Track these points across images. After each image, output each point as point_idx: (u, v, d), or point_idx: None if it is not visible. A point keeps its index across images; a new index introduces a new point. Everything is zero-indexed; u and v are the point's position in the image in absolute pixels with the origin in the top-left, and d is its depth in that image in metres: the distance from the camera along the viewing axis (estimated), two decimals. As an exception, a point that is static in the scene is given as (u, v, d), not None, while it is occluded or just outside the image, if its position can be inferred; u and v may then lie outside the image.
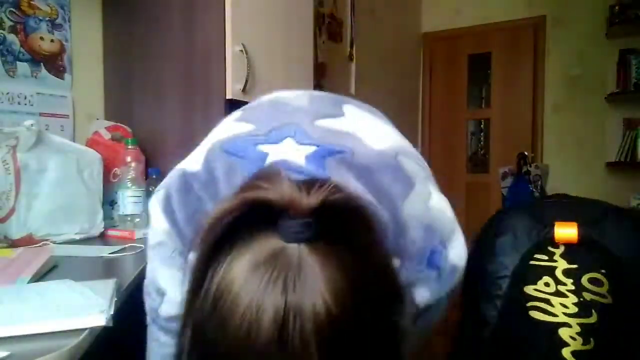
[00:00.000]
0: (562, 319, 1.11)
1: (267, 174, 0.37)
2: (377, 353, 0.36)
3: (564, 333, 1.11)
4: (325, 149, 0.55)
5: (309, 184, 0.37)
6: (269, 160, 0.55)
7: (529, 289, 1.15)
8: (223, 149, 0.58)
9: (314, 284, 0.33)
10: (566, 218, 1.20)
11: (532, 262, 1.16)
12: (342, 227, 0.36)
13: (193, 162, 0.61)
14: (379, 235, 0.39)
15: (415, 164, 0.58)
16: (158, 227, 0.62)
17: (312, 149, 0.55)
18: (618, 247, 1.18)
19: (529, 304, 1.13)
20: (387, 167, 0.55)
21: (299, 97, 0.68)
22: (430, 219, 0.54)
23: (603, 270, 1.17)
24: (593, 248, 1.16)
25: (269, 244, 0.35)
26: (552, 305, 1.13)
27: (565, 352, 1.11)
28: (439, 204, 0.56)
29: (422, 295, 0.55)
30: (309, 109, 0.64)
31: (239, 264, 0.35)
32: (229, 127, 0.64)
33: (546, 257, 1.16)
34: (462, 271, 0.56)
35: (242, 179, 0.51)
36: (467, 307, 1.27)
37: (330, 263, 0.34)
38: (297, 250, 0.34)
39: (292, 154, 0.55)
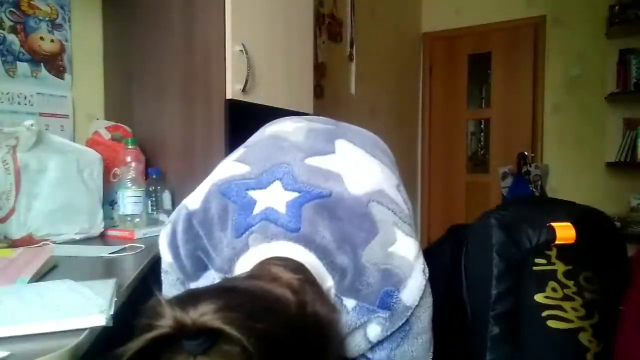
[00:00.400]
0: (577, 323, 1.08)
1: (153, 311, 0.43)
2: None
3: (583, 337, 1.07)
4: (305, 196, 0.63)
5: (194, 299, 0.43)
6: (256, 207, 0.63)
7: (540, 297, 1.09)
8: (219, 191, 0.67)
9: None
10: (555, 218, 1.16)
11: (535, 268, 1.11)
12: (231, 334, 0.41)
13: (195, 199, 0.69)
14: (278, 331, 0.44)
15: (385, 210, 0.64)
16: (164, 258, 0.70)
17: (295, 195, 0.63)
18: (596, 244, 1.16)
19: (544, 313, 1.08)
20: (355, 216, 0.62)
21: (297, 132, 0.76)
22: (388, 264, 0.59)
23: (591, 268, 1.15)
24: (580, 247, 1.14)
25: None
26: (565, 310, 1.08)
27: (589, 356, 1.08)
28: (402, 249, 0.61)
29: (374, 331, 0.60)
30: (304, 145, 0.73)
31: None
32: (229, 166, 0.72)
33: (545, 261, 1.12)
34: (414, 309, 0.60)
35: (231, 220, 0.64)
36: (474, 324, 1.17)
37: None
38: None
39: (276, 200, 0.64)
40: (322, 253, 0.60)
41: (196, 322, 0.40)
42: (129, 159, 1.30)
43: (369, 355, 0.64)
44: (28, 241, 1.05)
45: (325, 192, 0.63)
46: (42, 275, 0.78)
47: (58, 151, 1.14)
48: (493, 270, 1.10)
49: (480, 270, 1.14)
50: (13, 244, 1.03)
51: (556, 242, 1.11)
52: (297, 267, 0.57)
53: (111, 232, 1.24)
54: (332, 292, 0.60)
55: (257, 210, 0.63)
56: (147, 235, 1.23)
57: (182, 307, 0.42)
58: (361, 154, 0.75)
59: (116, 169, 1.33)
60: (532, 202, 1.32)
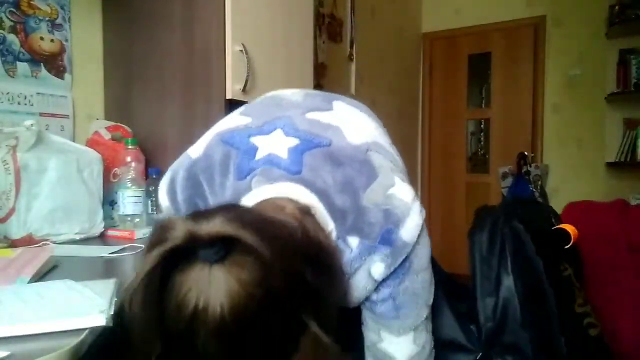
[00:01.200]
0: (599, 326, 1.02)
1: (166, 225, 0.45)
2: (273, 347, 0.45)
3: (605, 339, 1.03)
4: (305, 144, 0.66)
5: (205, 214, 0.45)
6: (259, 152, 0.66)
7: (577, 307, 0.99)
8: (222, 140, 0.70)
9: (216, 296, 0.42)
10: (548, 219, 1.10)
11: (563, 274, 1.01)
12: (243, 244, 0.42)
13: (197, 148, 0.73)
14: (289, 245, 0.46)
15: (383, 158, 0.68)
16: (161, 203, 0.74)
17: (296, 142, 0.66)
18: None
19: (585, 321, 0.99)
20: (356, 162, 0.65)
21: (295, 94, 0.80)
22: (388, 204, 0.62)
23: (580, 267, 1.12)
24: (571, 247, 1.09)
25: (193, 270, 0.43)
26: (591, 315, 1.01)
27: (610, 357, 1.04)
28: (400, 192, 0.64)
29: (378, 269, 0.62)
30: (302, 103, 0.76)
31: (175, 290, 0.43)
32: (232, 119, 0.75)
33: (562, 267, 1.03)
34: (413, 246, 0.63)
35: (233, 165, 0.67)
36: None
37: (232, 277, 0.42)
38: (208, 270, 0.42)
39: (277, 146, 0.66)
40: (322, 195, 0.62)
41: (210, 232, 0.42)
42: (129, 159, 1.30)
43: (374, 297, 0.66)
44: (28, 241, 1.05)
45: (325, 141, 0.66)
46: (42, 275, 0.78)
47: (58, 151, 1.14)
48: (547, 290, 0.95)
49: (529, 287, 0.96)
50: (13, 244, 1.03)
51: (571, 245, 1.01)
52: (300, 205, 0.60)
53: (111, 232, 1.24)
54: (334, 234, 0.62)
55: (259, 155, 0.66)
56: (147, 235, 1.23)
57: (195, 220, 0.43)
58: (357, 112, 0.80)
59: (116, 169, 1.34)
60: (519, 202, 1.23)
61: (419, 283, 0.66)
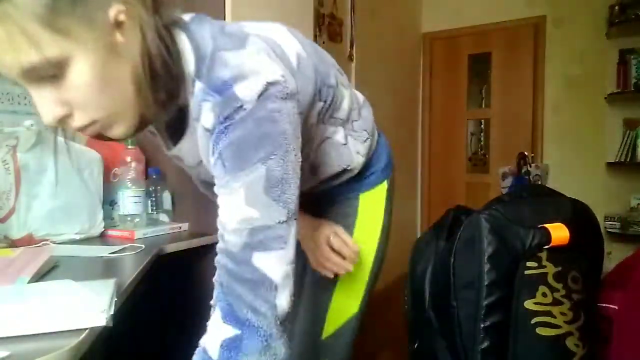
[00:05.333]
0: (565, 328, 1.05)
1: None
2: None
3: (569, 342, 1.05)
4: None
5: None
6: None
7: (530, 304, 1.05)
8: None
9: None
10: (546, 217, 1.12)
11: (526, 272, 1.06)
12: None
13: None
14: None
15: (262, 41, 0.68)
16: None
17: None
18: (582, 242, 1.14)
19: (534, 320, 1.04)
20: (234, 34, 0.67)
21: None
22: (239, 64, 0.62)
23: (577, 267, 1.13)
24: (569, 247, 1.10)
25: None
26: (554, 316, 1.05)
27: None
28: (259, 61, 0.63)
29: (207, 117, 0.63)
30: None
31: None
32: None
33: (536, 264, 1.07)
34: (242, 102, 0.61)
35: None
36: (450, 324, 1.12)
37: None
38: None
39: None
40: (191, 34, 0.67)
41: None
42: (129, 158, 1.30)
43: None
44: (28, 241, 1.05)
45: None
46: (42, 275, 0.78)
47: (58, 151, 1.14)
48: (484, 279, 1.05)
49: (469, 275, 1.08)
50: (13, 244, 1.03)
51: (551, 245, 1.07)
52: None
53: (111, 232, 1.24)
54: (192, 75, 0.65)
55: None
56: (147, 235, 1.23)
57: None
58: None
59: (116, 169, 1.33)
60: (522, 197, 1.25)
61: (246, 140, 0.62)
